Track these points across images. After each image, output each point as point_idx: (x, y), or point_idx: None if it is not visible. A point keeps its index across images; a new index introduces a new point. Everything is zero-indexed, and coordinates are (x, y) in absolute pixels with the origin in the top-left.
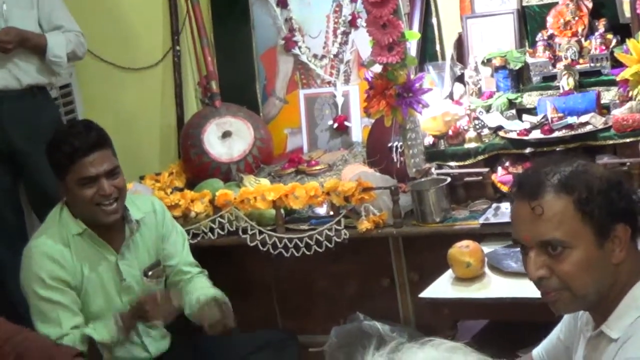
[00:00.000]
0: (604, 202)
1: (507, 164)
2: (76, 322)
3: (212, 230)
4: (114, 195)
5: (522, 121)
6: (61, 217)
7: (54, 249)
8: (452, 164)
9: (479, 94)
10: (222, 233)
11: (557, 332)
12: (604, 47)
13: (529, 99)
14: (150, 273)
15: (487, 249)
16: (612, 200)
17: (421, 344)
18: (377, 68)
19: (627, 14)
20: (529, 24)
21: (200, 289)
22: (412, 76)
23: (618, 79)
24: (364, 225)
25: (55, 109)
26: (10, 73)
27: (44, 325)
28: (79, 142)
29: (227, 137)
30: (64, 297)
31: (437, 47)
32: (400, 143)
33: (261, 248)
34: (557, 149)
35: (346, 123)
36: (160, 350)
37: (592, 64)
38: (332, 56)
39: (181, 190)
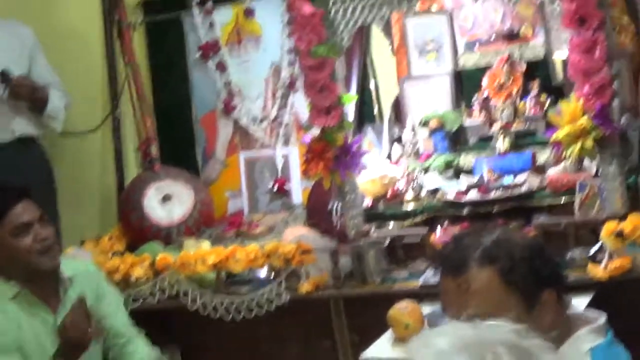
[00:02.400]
0: (528, 270)
1: (445, 224)
2: None
3: (152, 294)
4: (50, 240)
5: (460, 180)
6: None
7: None
8: (391, 225)
9: (417, 155)
10: (162, 297)
11: None
12: (538, 109)
13: (466, 159)
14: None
15: (426, 309)
16: (536, 267)
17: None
18: (316, 131)
19: (560, 76)
20: (465, 85)
21: (139, 352)
22: (350, 138)
23: (551, 140)
24: (305, 287)
25: (47, 162)
26: (6, 120)
27: None
28: (4, 195)
29: (168, 201)
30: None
31: (375, 109)
32: (340, 205)
33: (202, 311)
34: (494, 210)
35: (285, 187)
36: None
37: (527, 125)
38: (271, 119)
39: (122, 254)
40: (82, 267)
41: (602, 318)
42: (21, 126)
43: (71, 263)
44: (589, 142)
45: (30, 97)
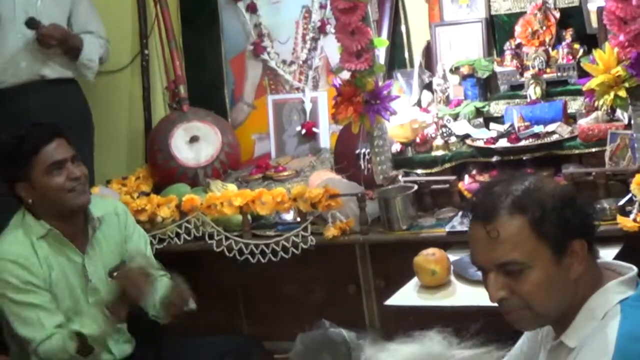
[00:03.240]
0: (559, 220)
1: (474, 172)
2: (58, 321)
3: (178, 235)
4: (82, 178)
5: (489, 130)
6: (24, 221)
7: (20, 255)
8: (419, 171)
9: (447, 102)
10: (188, 238)
11: (520, 344)
12: (571, 57)
13: (497, 107)
14: (115, 274)
15: (453, 257)
16: (567, 217)
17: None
18: (346, 75)
19: (594, 24)
20: (497, 33)
21: (163, 290)
22: (380, 83)
23: (584, 88)
24: (331, 232)
25: (83, 99)
26: (45, 63)
27: (26, 329)
28: (38, 133)
29: (195, 142)
30: (40, 299)
31: (406, 55)
32: (368, 150)
33: (227, 254)
34: (524, 158)
35: (314, 129)
36: (124, 353)
37: (559, 74)
38: (300, 62)
39: (148, 194)
40: (111, 206)
41: (632, 271)
42: (55, 70)
43: (100, 202)
44: (622, 92)
45: (61, 45)
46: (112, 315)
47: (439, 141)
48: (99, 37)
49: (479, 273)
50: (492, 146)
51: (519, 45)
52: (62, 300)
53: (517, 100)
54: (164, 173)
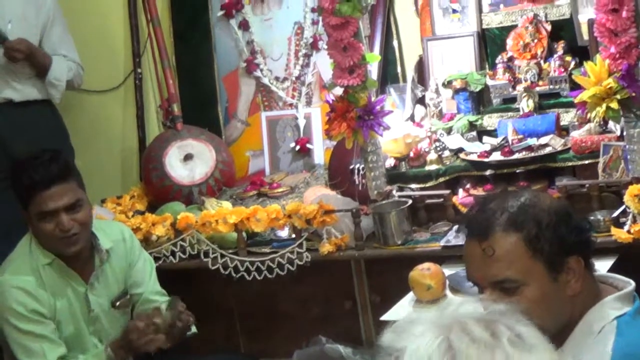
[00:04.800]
0: (554, 237)
1: (468, 185)
2: (60, 353)
3: (173, 253)
4: (74, 230)
5: (483, 143)
6: (31, 247)
7: (26, 282)
8: (414, 186)
9: (440, 116)
10: (183, 257)
11: None
12: (562, 70)
13: (490, 120)
14: (117, 303)
15: (448, 271)
16: (562, 234)
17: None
18: (339, 91)
19: (585, 36)
20: (489, 46)
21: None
22: (373, 98)
23: (576, 101)
24: (326, 247)
25: (57, 119)
26: (10, 85)
27: (27, 359)
28: (39, 175)
29: (189, 160)
30: (45, 329)
31: (399, 69)
32: (362, 165)
33: (223, 271)
34: (517, 171)
35: (308, 145)
36: None
37: (551, 86)
38: (293, 78)
39: (142, 213)
40: (118, 232)
41: (630, 285)
42: (21, 92)
43: (107, 228)
44: (614, 104)
45: (27, 59)
46: (115, 358)
47: (432, 155)
48: (71, 60)
49: (475, 288)
50: (486, 160)
51: (510, 59)
52: (65, 328)
53: (510, 114)
54: (159, 191)
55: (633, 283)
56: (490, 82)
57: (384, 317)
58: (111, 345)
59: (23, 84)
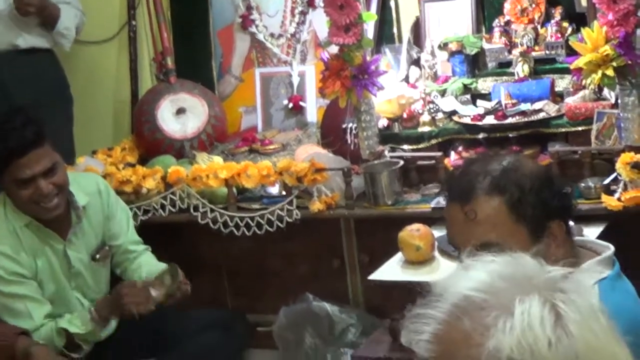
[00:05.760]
0: (537, 201)
1: (460, 148)
2: (46, 311)
3: (163, 207)
4: (52, 193)
5: (476, 106)
6: (6, 210)
7: (4, 246)
8: (406, 147)
9: (435, 78)
10: (173, 210)
11: None
12: (559, 35)
13: (484, 84)
14: (97, 256)
15: (437, 233)
16: (545, 198)
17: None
18: (334, 49)
19: (584, 3)
20: (487, 9)
21: (146, 265)
22: (368, 58)
23: (572, 67)
24: (316, 206)
25: (59, 68)
26: (18, 33)
27: (15, 320)
28: (14, 142)
29: (181, 114)
30: (28, 289)
31: (395, 30)
32: (355, 125)
33: (212, 226)
34: (510, 135)
35: (301, 103)
36: (107, 332)
37: (547, 52)
38: (289, 35)
39: (133, 166)
40: (93, 185)
41: (609, 250)
42: (28, 40)
43: (82, 181)
44: (610, 71)
45: (38, 13)
46: (100, 320)
47: (425, 117)
48: (75, 7)
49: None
50: (479, 123)
51: (507, 23)
52: (47, 287)
53: (504, 78)
54: (150, 144)
55: (612, 247)
56: (486, 46)
57: (371, 277)
58: (97, 304)
59: (31, 33)
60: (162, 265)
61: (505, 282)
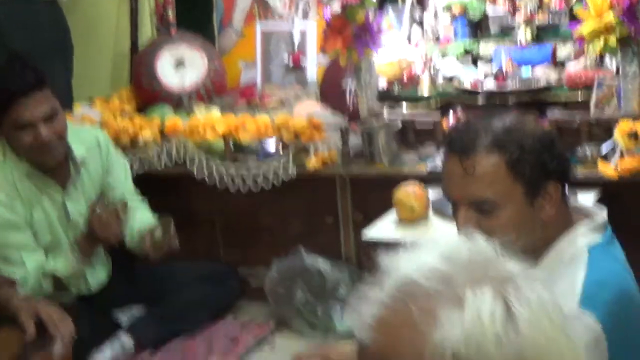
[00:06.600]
0: (536, 162)
1: (459, 112)
2: (39, 260)
3: (159, 158)
4: (53, 140)
5: (477, 70)
6: (5, 159)
7: (1, 194)
8: (405, 108)
9: (437, 39)
10: (169, 162)
11: None
12: (563, 2)
13: (486, 48)
14: (97, 209)
15: (433, 194)
16: (544, 159)
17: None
18: (336, 6)
19: None
20: None
21: (140, 218)
22: (370, 17)
23: (575, 34)
24: (313, 163)
25: (60, 14)
26: None
27: (6, 267)
28: (14, 85)
29: (181, 67)
30: (21, 237)
31: None
32: (354, 84)
33: (208, 180)
34: (509, 101)
35: (301, 61)
36: (100, 281)
37: (550, 18)
38: None
39: (131, 116)
40: (92, 139)
41: (602, 214)
42: None
43: (81, 134)
44: (613, 39)
45: None
46: (81, 253)
47: (425, 79)
48: None
49: None
50: (478, 89)
51: None
52: (42, 238)
53: (507, 42)
54: (148, 96)
55: (605, 213)
56: (489, 10)
57: (365, 234)
58: (76, 242)
59: None
60: (153, 219)
61: (458, 268)
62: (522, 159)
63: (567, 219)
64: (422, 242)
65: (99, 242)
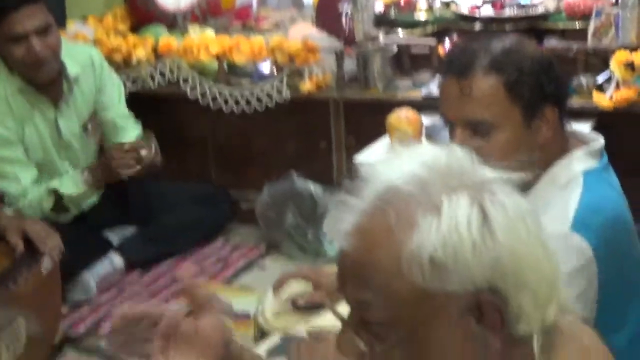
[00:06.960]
0: (534, 84)
1: (455, 37)
2: (33, 175)
3: (152, 78)
4: (46, 56)
5: None
6: None
7: None
8: (401, 33)
9: None
10: (162, 82)
11: None
12: None
13: None
14: (89, 126)
15: (426, 120)
16: (542, 82)
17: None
18: None
19: None
20: None
21: (130, 139)
22: None
23: None
24: (307, 86)
25: None
26: None
27: (2, 183)
28: None
29: None
30: (13, 152)
31: None
32: (351, 7)
33: (201, 101)
34: (506, 28)
35: None
36: (92, 202)
37: None
38: None
39: (124, 34)
40: (86, 58)
41: (599, 141)
42: None
43: (75, 51)
44: None
45: None
46: (92, 182)
47: (423, 4)
48: None
49: None
50: (475, 15)
51: None
52: (34, 155)
53: None
54: (143, 15)
55: (602, 138)
56: None
57: (357, 158)
58: (88, 167)
59: None
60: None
61: (435, 175)
62: (520, 80)
63: (563, 143)
64: (402, 151)
65: (111, 173)
